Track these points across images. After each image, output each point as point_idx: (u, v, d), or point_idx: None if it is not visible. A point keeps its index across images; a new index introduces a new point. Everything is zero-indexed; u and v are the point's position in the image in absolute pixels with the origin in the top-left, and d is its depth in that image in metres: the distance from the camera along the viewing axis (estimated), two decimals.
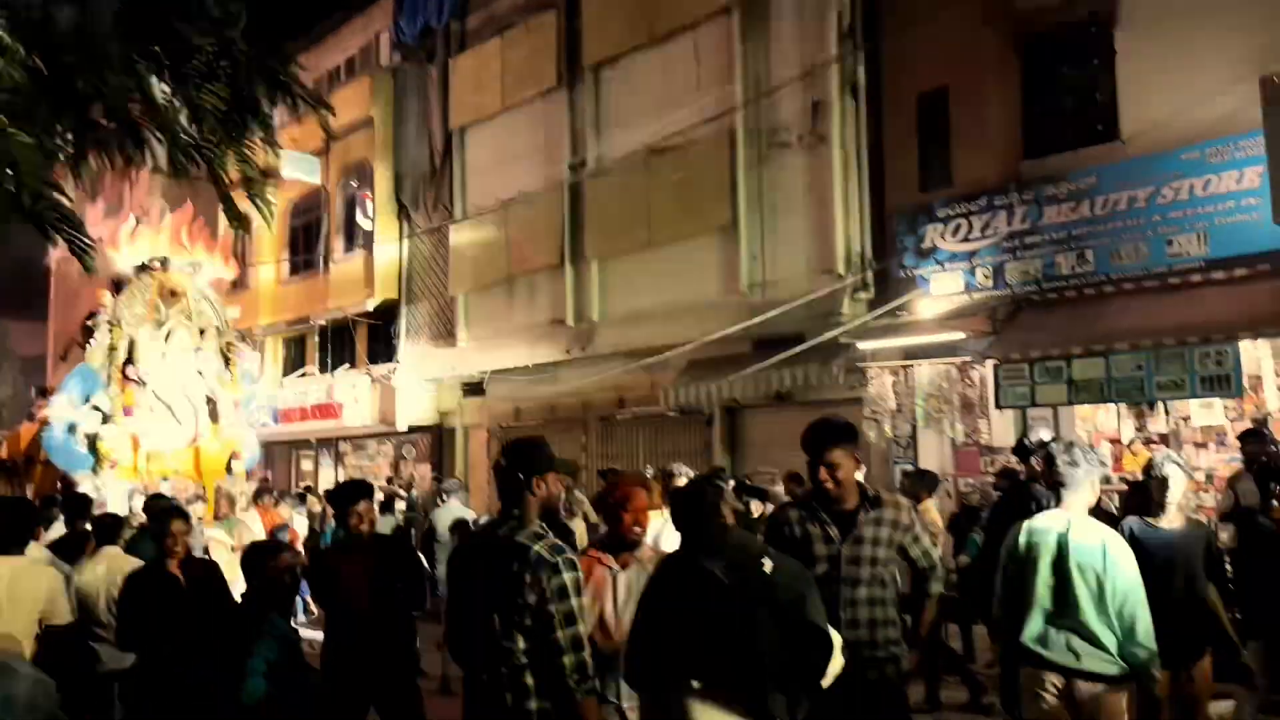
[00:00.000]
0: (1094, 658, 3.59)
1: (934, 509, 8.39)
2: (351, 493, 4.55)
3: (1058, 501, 3.87)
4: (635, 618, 3.14)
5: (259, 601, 4.10)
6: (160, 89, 3.60)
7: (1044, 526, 3.84)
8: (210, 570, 5.17)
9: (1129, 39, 9.64)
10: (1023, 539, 3.86)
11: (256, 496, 8.59)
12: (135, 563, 6.31)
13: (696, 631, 2.85)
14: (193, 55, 3.59)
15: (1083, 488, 3.77)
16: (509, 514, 3.07)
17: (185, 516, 5.36)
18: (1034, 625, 3.68)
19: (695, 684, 2.84)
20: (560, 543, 3.00)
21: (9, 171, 3.35)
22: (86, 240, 3.71)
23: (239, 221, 4.20)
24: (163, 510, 5.64)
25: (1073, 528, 3.75)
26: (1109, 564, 3.61)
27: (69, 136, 3.52)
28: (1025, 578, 3.76)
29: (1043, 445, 5.15)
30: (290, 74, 3.98)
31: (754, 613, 2.81)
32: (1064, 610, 3.64)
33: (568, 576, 2.92)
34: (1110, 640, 3.59)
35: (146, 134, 3.59)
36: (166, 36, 3.55)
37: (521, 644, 2.90)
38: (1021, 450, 6.48)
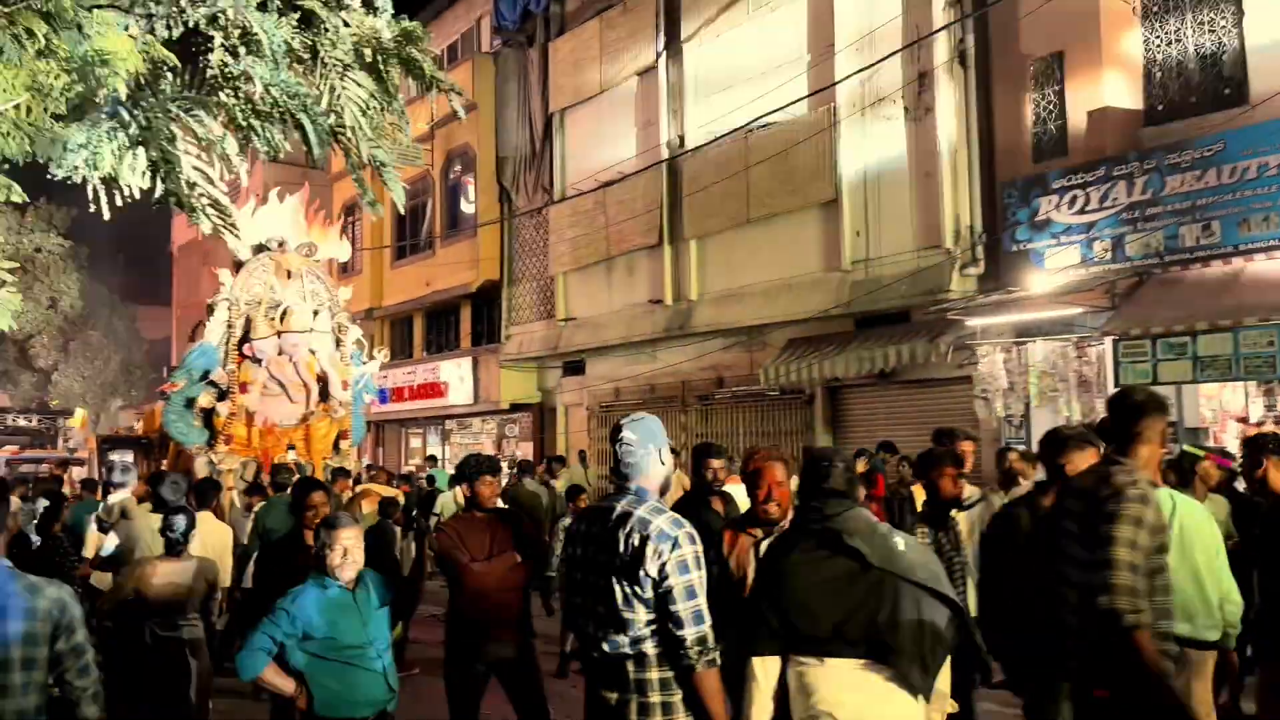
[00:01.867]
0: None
1: None
2: (478, 466, 4.67)
3: None
4: (755, 585, 3.15)
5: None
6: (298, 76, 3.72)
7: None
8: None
9: None
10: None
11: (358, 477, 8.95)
12: (225, 528, 6.57)
13: (833, 603, 2.88)
14: (336, 43, 3.69)
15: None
16: (626, 488, 3.09)
17: (326, 489, 5.49)
18: None
19: (825, 655, 2.87)
20: (681, 518, 3.02)
21: (166, 162, 3.52)
22: (236, 224, 3.88)
23: (374, 204, 4.31)
24: (303, 481, 5.76)
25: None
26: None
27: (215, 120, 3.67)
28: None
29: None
30: (428, 61, 4.07)
31: (898, 587, 2.85)
32: None
33: (688, 549, 2.93)
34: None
35: (288, 120, 3.71)
36: (311, 23, 3.66)
37: (643, 615, 2.93)
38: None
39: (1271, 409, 10.43)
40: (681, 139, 14.84)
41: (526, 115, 17.71)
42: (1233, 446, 9.58)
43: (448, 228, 20.10)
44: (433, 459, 17.48)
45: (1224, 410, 9.91)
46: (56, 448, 22.84)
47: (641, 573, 2.91)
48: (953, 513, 4.98)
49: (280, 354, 9.11)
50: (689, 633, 2.90)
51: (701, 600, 2.93)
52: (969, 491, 5.14)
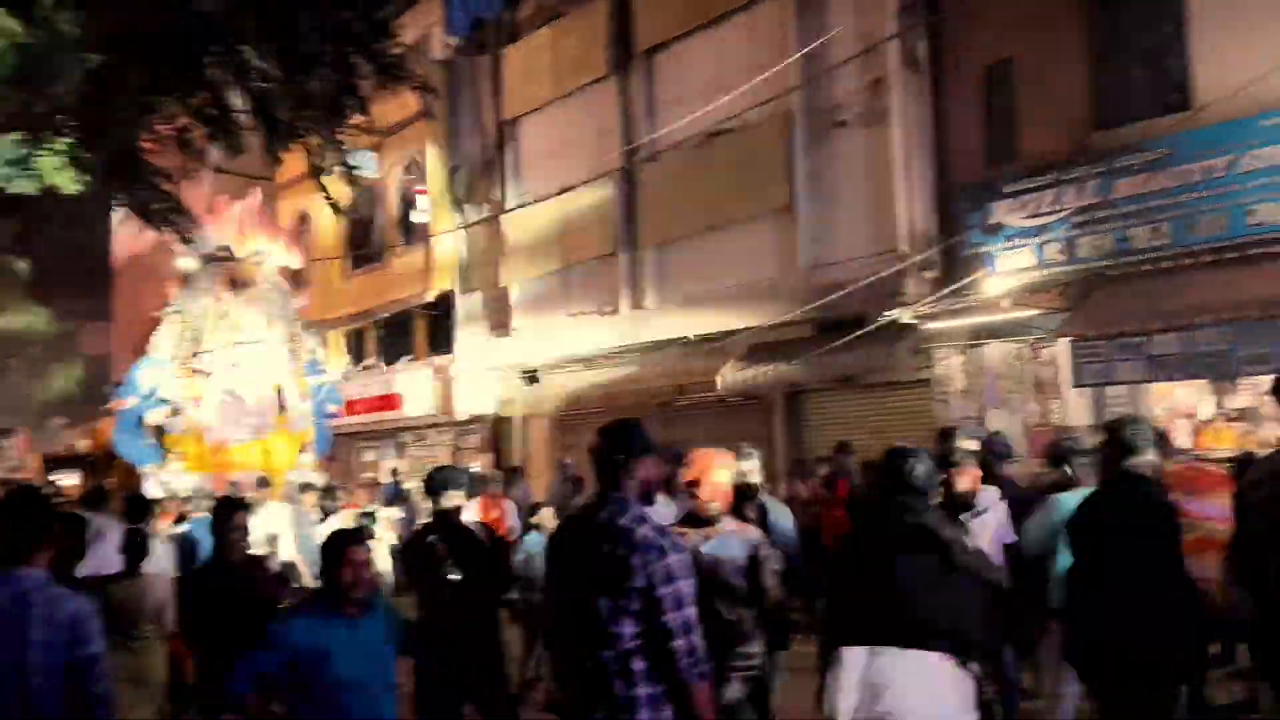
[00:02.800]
0: None
1: None
2: (447, 480, 4.56)
3: None
4: (838, 578, 3.16)
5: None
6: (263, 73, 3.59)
7: None
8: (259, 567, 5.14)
9: (1201, 2, 9.30)
10: None
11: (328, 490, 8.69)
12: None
13: (925, 596, 2.98)
14: (300, 40, 3.57)
15: None
16: (607, 497, 3.02)
17: (249, 509, 5.33)
18: None
19: (910, 646, 2.96)
20: (664, 526, 2.95)
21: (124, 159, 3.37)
22: (194, 229, 3.73)
23: (336, 205, 4.19)
24: (224, 501, 5.60)
25: None
26: None
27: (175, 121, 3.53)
28: None
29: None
30: (397, 57, 3.97)
31: (975, 583, 3.02)
32: None
33: (675, 559, 2.87)
34: None
35: (243, 120, 3.58)
36: (279, 19, 3.54)
37: (630, 629, 2.86)
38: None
39: (1222, 407, 10.66)
40: (636, 147, 14.80)
41: (479, 123, 17.55)
42: (1185, 444, 9.77)
43: (400, 237, 19.84)
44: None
45: (1177, 408, 10.09)
46: None
47: (629, 585, 2.84)
48: (962, 516, 4.91)
49: (232, 366, 8.83)
50: (680, 644, 2.83)
51: (690, 610, 2.87)
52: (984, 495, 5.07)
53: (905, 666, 2.95)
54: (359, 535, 3.79)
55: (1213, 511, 4.57)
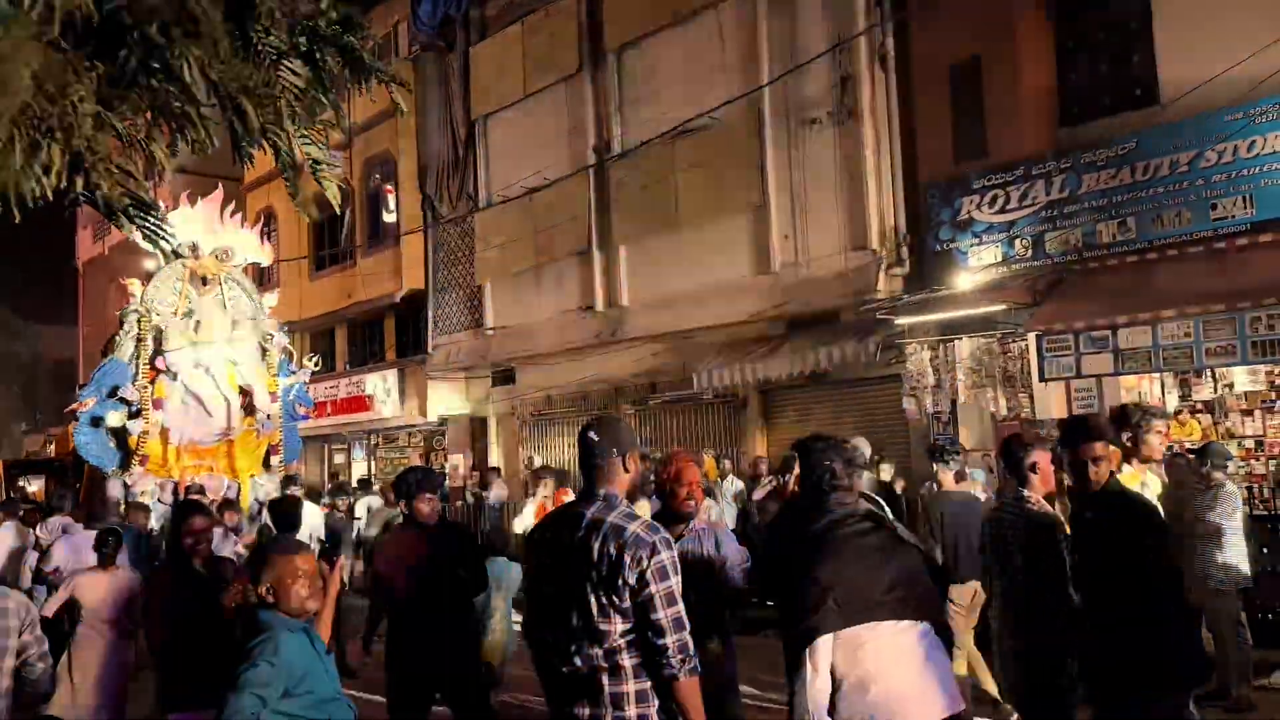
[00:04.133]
0: None
1: None
2: (419, 483, 4.49)
3: None
4: (802, 567, 3.19)
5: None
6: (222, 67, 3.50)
7: None
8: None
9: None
10: None
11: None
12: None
13: (882, 571, 3.12)
14: (270, 30, 3.49)
15: None
16: (594, 493, 2.99)
17: (208, 512, 5.23)
18: None
19: (877, 620, 3.07)
20: (655, 522, 2.94)
21: (87, 154, 3.28)
22: (164, 226, 3.63)
23: (305, 205, 4.11)
24: (183, 504, 5.60)
25: None
26: None
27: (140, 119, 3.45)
28: None
29: None
30: (368, 51, 3.89)
31: (915, 553, 3.21)
32: None
33: (665, 555, 2.86)
34: None
35: (208, 115, 3.50)
36: (247, 11, 3.45)
37: (619, 626, 2.84)
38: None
39: (1186, 398, 10.82)
40: (608, 144, 14.77)
41: (449, 121, 17.43)
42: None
43: (369, 237, 19.67)
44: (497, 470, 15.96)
45: (1143, 400, 10.20)
46: None
47: (619, 582, 2.82)
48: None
49: (196, 366, 8.65)
50: (670, 640, 2.82)
51: (681, 607, 2.86)
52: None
53: (884, 638, 3.04)
54: (294, 545, 3.53)
55: None
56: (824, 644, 3.02)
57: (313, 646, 3.25)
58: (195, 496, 8.03)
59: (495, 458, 17.16)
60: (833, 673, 3.03)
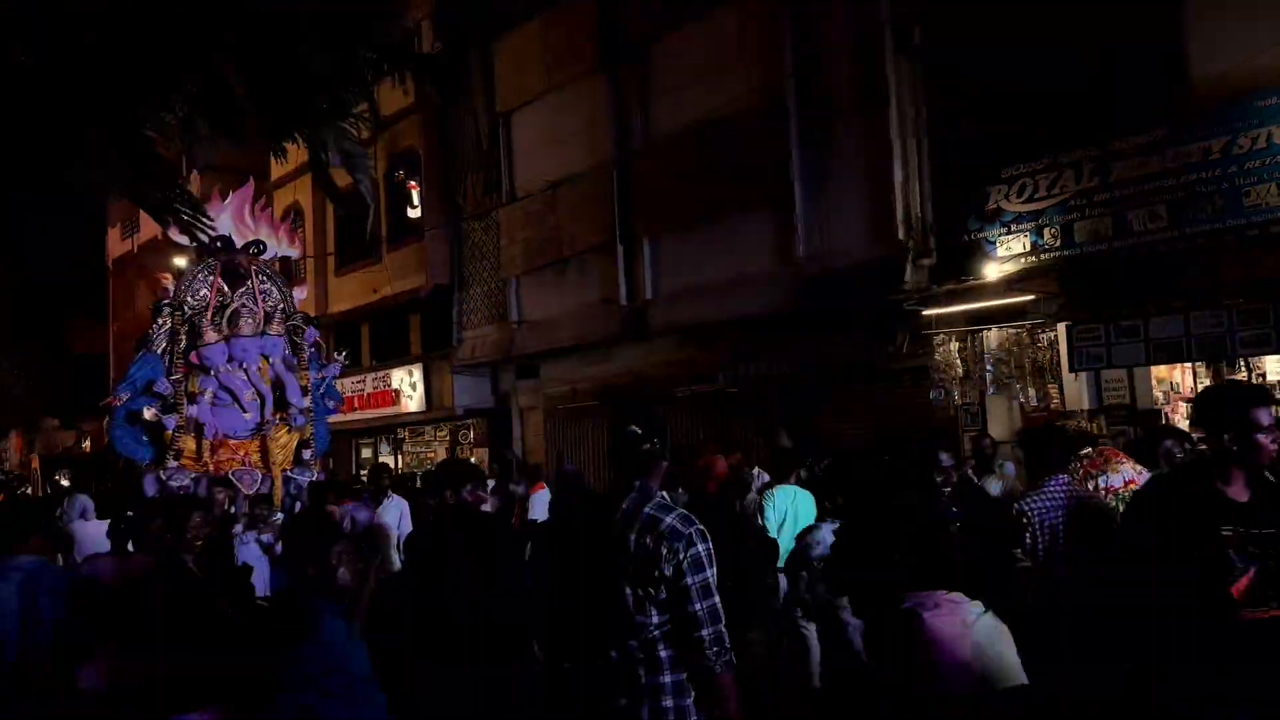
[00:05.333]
0: None
1: None
2: (462, 474, 4.52)
3: None
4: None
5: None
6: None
7: None
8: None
9: None
10: None
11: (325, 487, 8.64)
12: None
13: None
14: (300, 19, 3.51)
15: None
16: (628, 484, 2.98)
17: (208, 507, 5.26)
18: None
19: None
20: (690, 514, 2.94)
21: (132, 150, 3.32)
22: (201, 219, 3.67)
23: (338, 199, 4.13)
24: (182, 499, 5.63)
25: None
26: None
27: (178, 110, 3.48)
28: None
29: None
30: (404, 42, 3.91)
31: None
32: None
33: (701, 548, 2.86)
34: None
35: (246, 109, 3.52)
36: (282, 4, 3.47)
37: (655, 618, 2.84)
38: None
39: None
40: (631, 137, 14.76)
41: (472, 117, 17.48)
42: (1183, 427, 9.78)
43: (393, 233, 19.78)
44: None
45: (1175, 391, 10.11)
46: None
47: (656, 574, 2.83)
48: None
49: (230, 361, 8.72)
50: (707, 632, 2.82)
51: (717, 598, 2.86)
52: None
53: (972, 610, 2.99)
54: (338, 532, 3.76)
55: (1115, 483, 4.99)
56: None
57: (349, 628, 3.38)
58: (219, 490, 8.12)
59: (519, 451, 17.21)
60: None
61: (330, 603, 3.36)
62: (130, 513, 5.33)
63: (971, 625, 2.81)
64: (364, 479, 13.65)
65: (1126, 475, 4.96)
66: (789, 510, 6.79)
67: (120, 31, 3.52)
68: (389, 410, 19.05)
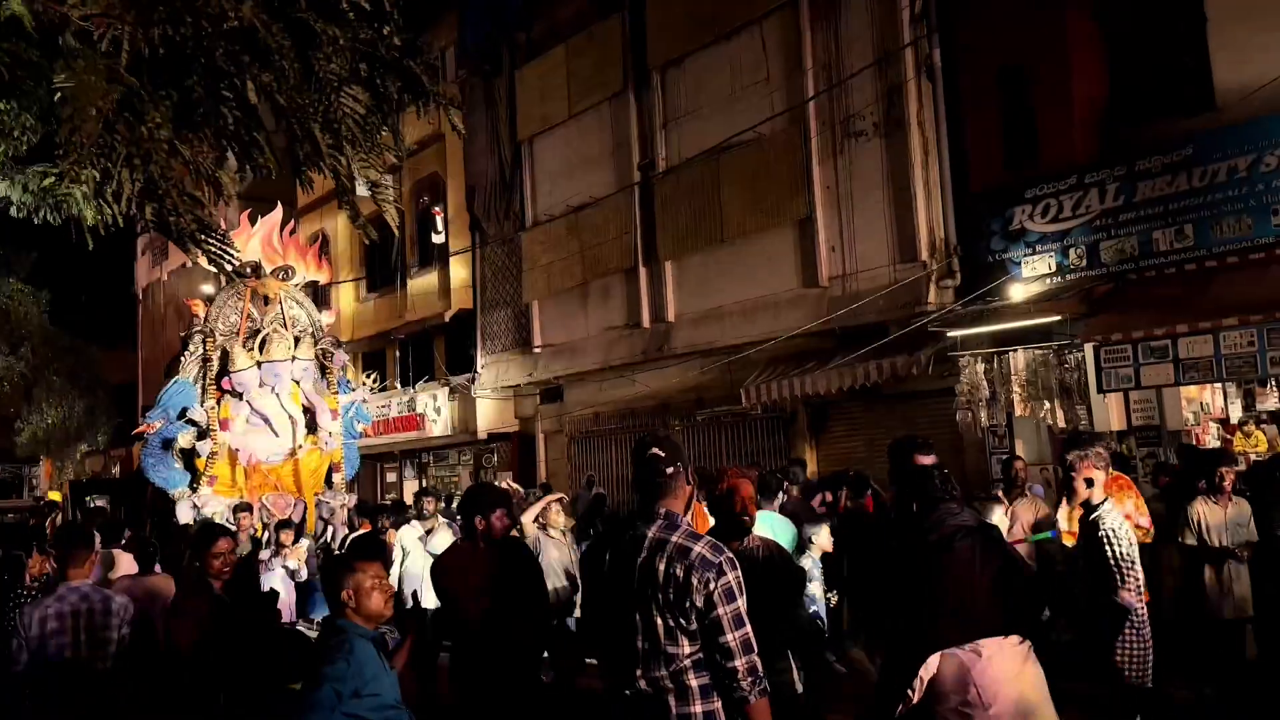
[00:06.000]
0: None
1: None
2: (492, 499, 4.52)
3: None
4: (906, 583, 3.12)
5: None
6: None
7: None
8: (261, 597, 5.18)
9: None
10: None
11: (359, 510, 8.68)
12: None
13: (982, 584, 3.01)
14: (332, 58, 3.57)
15: None
16: (654, 512, 2.94)
17: (233, 535, 5.30)
18: None
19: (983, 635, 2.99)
20: (719, 542, 2.90)
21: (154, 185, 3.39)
22: (229, 250, 3.73)
23: (365, 226, 4.19)
24: (206, 526, 5.75)
25: None
26: None
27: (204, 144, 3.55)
28: None
29: None
30: (428, 75, 3.98)
31: (1012, 561, 3.11)
32: None
33: (731, 576, 2.80)
34: None
35: (295, 130, 3.58)
36: (309, 37, 3.53)
37: (687, 648, 2.80)
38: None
39: (1251, 409, 10.56)
40: (653, 161, 14.85)
41: (495, 143, 17.65)
42: (1215, 447, 9.67)
43: (418, 258, 19.94)
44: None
45: (1205, 412, 9.99)
46: (23, 497, 22.26)
47: (686, 604, 2.78)
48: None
49: (261, 385, 8.77)
50: (740, 663, 2.77)
51: (749, 628, 2.81)
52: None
53: (996, 655, 2.96)
54: (373, 553, 3.79)
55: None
56: (935, 660, 2.97)
57: (379, 655, 3.40)
58: (243, 514, 8.17)
59: (543, 475, 17.22)
60: (936, 688, 2.97)
61: (360, 627, 3.37)
62: (156, 538, 5.45)
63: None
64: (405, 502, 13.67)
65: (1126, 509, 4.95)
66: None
67: (155, 65, 3.59)
68: (413, 434, 19.13)
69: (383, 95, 3.89)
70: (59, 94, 3.44)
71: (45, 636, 4.64)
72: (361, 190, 4.76)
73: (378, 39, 3.82)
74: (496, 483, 17.79)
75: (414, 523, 8.25)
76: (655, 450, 2.98)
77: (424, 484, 20.39)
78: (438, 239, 19.40)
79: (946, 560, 3.05)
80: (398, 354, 21.03)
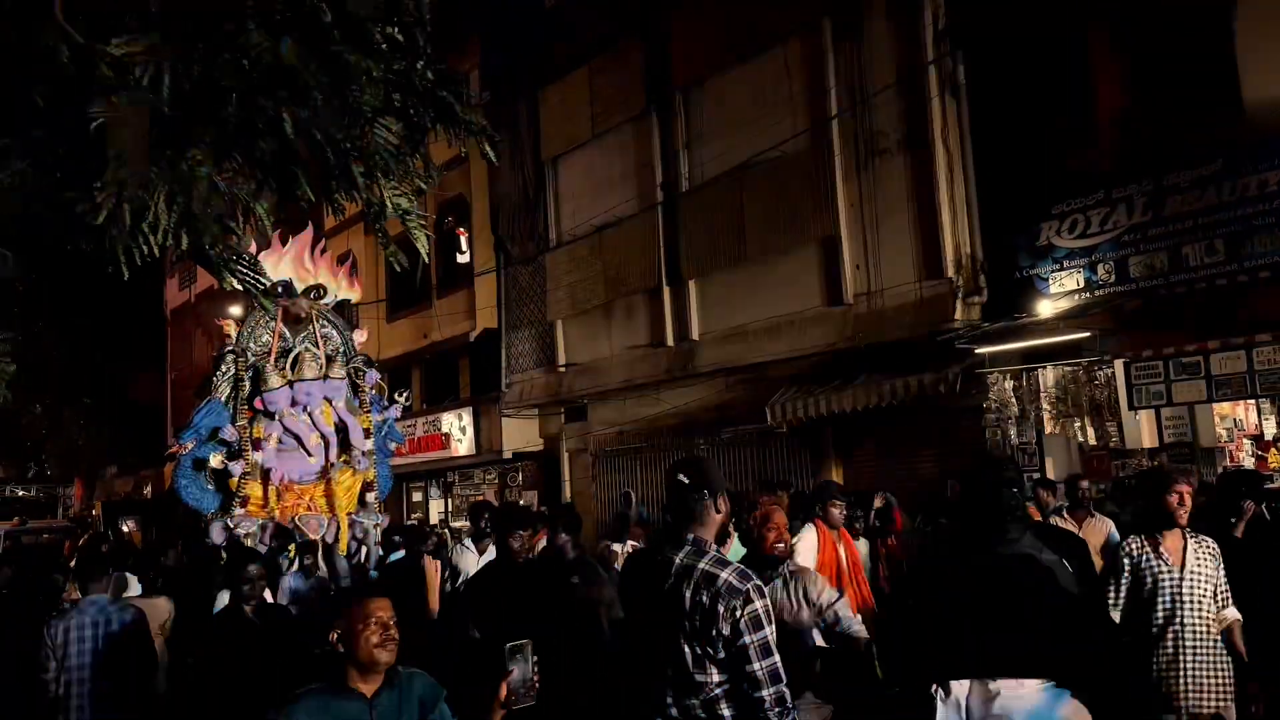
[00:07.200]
0: None
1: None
2: (518, 519, 4.53)
3: None
4: (940, 607, 3.04)
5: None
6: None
7: None
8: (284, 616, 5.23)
9: (1245, 7, 9.21)
10: None
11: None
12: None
13: (1030, 623, 2.86)
14: (366, 90, 3.62)
15: None
16: (681, 538, 2.90)
17: (261, 559, 5.35)
18: None
19: (1021, 676, 2.85)
20: (747, 569, 2.88)
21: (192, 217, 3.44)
22: (262, 278, 3.78)
23: (395, 254, 4.22)
24: (239, 551, 6.27)
25: None
26: None
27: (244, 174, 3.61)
28: None
29: None
30: (463, 105, 4.03)
31: (1077, 605, 3.00)
32: None
33: (759, 604, 2.76)
34: None
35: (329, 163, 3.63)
36: (342, 69, 3.58)
37: (716, 677, 2.76)
38: None
39: None
40: (676, 181, 14.90)
41: (519, 164, 17.77)
42: (1249, 465, 9.54)
43: (443, 279, 20.08)
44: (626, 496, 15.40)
45: (1239, 429, 9.87)
46: (57, 517, 22.50)
47: (714, 632, 2.75)
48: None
49: (294, 405, 8.81)
50: (768, 693, 2.74)
51: (777, 657, 2.77)
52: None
53: (1020, 697, 2.85)
54: (370, 590, 3.59)
55: None
56: (958, 688, 2.89)
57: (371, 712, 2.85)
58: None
59: (567, 494, 17.23)
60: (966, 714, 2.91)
61: (342, 681, 2.99)
62: (186, 558, 5.74)
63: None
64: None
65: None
66: None
67: (193, 99, 3.65)
68: (439, 454, 19.20)
69: (415, 124, 3.94)
70: (95, 124, 3.49)
71: (68, 645, 5.34)
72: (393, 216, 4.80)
73: (411, 70, 3.87)
74: (520, 501, 17.83)
75: (467, 541, 8.18)
76: (683, 476, 2.95)
77: (449, 504, 20.46)
78: (463, 259, 19.53)
79: (1003, 586, 2.97)
80: (423, 374, 21.13)
